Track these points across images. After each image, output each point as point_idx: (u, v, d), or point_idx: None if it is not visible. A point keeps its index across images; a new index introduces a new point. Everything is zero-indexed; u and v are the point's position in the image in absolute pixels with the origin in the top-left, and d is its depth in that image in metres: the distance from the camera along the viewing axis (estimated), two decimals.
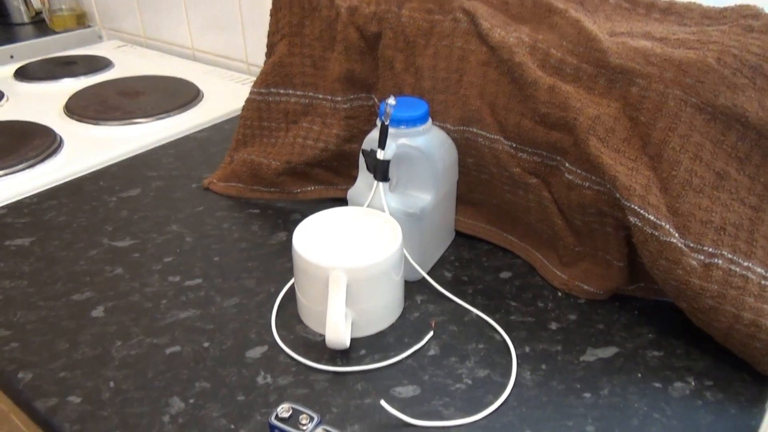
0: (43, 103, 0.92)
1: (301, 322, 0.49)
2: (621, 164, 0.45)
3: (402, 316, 0.49)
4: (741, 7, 0.48)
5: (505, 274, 0.55)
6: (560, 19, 0.50)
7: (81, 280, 0.54)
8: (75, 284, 0.53)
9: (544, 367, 0.44)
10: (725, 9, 0.49)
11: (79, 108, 0.89)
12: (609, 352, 0.45)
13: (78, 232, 0.61)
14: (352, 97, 0.62)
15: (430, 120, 0.53)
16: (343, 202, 0.58)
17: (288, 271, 0.55)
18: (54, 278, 0.54)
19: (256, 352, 0.45)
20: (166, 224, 0.62)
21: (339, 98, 0.62)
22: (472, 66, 0.53)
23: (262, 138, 0.66)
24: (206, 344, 0.46)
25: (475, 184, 0.58)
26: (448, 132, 0.56)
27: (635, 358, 0.45)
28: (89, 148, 0.77)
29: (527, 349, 0.45)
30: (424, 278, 0.53)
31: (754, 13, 0.47)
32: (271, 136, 0.65)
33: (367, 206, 0.51)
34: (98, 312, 0.50)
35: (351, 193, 0.54)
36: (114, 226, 0.62)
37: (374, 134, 0.51)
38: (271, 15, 0.64)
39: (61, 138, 0.80)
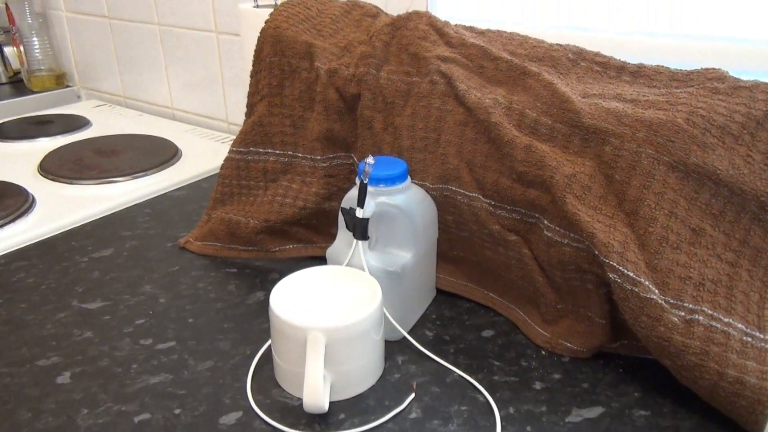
0: (17, 162, 0.92)
1: (278, 385, 0.47)
2: (598, 221, 0.45)
3: (382, 378, 0.48)
4: (707, 70, 0.51)
5: (487, 333, 0.54)
6: (534, 81, 0.52)
7: (47, 345, 0.52)
8: (41, 349, 0.51)
9: (529, 429, 0.43)
10: (692, 72, 0.51)
11: (54, 167, 0.88)
12: (595, 412, 0.44)
13: (46, 294, 0.59)
14: (331, 156, 0.62)
15: (408, 178, 0.54)
16: (322, 260, 0.58)
17: (265, 332, 0.54)
18: (19, 343, 0.52)
19: (230, 419, 0.44)
20: (139, 285, 0.61)
21: (318, 157, 0.62)
22: (449, 126, 0.54)
23: (241, 196, 0.65)
24: (177, 411, 0.45)
25: (455, 241, 0.58)
26: (427, 190, 0.56)
27: (622, 417, 0.44)
28: (62, 208, 0.77)
29: (511, 410, 0.45)
30: (404, 338, 0.52)
31: (719, 76, 0.49)
32: (250, 194, 0.65)
33: (347, 265, 0.51)
34: (64, 378, 0.48)
35: (330, 251, 0.53)
36: (84, 287, 0.61)
37: (353, 193, 0.51)
38: (251, 76, 0.65)
39: (33, 197, 0.79)
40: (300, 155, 0.63)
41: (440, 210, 0.56)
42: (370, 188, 0.50)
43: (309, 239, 0.65)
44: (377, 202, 0.51)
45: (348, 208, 0.50)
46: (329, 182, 0.62)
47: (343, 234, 0.52)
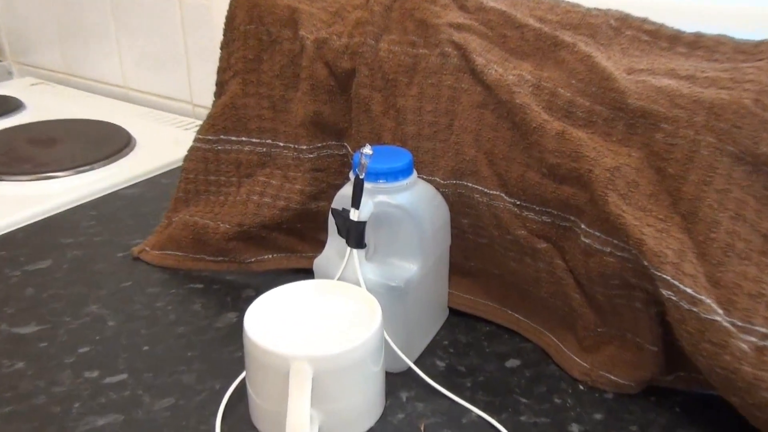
0: None
1: (254, 427, 0.47)
2: (648, 225, 0.45)
3: (383, 418, 0.48)
4: None
5: (512, 363, 0.54)
6: (568, 54, 0.52)
7: None
8: None
9: None
10: (762, 43, 0.51)
11: None
12: None
13: None
14: (319, 145, 0.63)
15: (415, 173, 0.54)
16: (308, 274, 0.57)
17: (238, 362, 0.54)
18: None
19: None
20: (83, 304, 0.61)
21: (304, 147, 0.62)
22: (464, 108, 0.54)
23: (209, 195, 0.66)
24: None
25: (471, 250, 0.58)
26: (438, 187, 0.57)
27: None
28: None
29: None
30: (410, 369, 0.52)
31: None
32: (220, 192, 0.66)
33: (338, 279, 0.51)
34: None
35: (318, 262, 0.53)
36: (16, 307, 0.61)
37: (347, 190, 0.51)
38: (221, 48, 0.65)
39: None
40: (281, 144, 0.64)
41: (454, 211, 0.57)
42: (367, 185, 0.50)
43: (292, 247, 0.65)
44: (376, 201, 0.51)
45: (340, 209, 0.50)
46: (317, 177, 0.63)
47: (334, 241, 0.52)
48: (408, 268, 0.51)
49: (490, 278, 0.58)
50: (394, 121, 0.58)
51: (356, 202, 0.49)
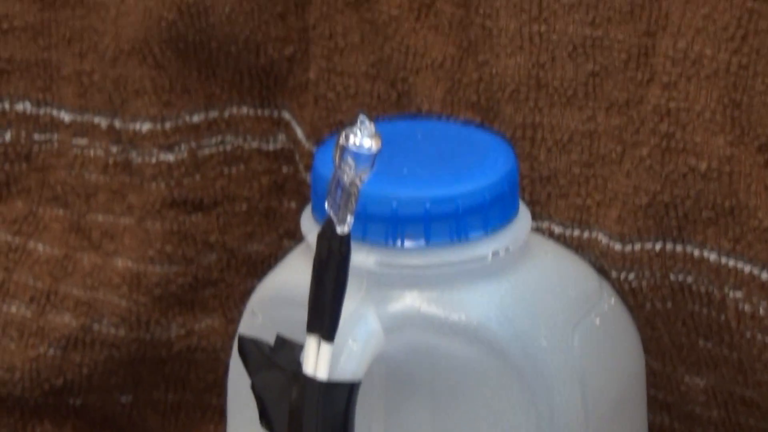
0: None
1: None
2: None
3: None
4: None
5: None
6: None
7: None
8: None
9: None
10: None
11: None
12: None
13: None
14: (195, 120, 0.61)
15: (525, 216, 0.50)
16: None
17: None
18: None
19: None
20: None
21: (145, 125, 0.61)
22: None
23: None
24: None
25: None
26: (609, 264, 0.55)
27: None
28: None
29: None
30: None
31: None
32: None
33: None
34: None
35: None
36: None
37: (286, 278, 0.51)
38: None
39: None
40: (66, 118, 0.62)
41: (656, 354, 0.55)
42: (361, 254, 0.46)
43: None
44: (394, 316, 0.47)
45: (265, 343, 0.47)
46: (185, 229, 0.62)
47: None
48: None
49: None
50: (455, 34, 0.58)
51: (324, 319, 0.45)
